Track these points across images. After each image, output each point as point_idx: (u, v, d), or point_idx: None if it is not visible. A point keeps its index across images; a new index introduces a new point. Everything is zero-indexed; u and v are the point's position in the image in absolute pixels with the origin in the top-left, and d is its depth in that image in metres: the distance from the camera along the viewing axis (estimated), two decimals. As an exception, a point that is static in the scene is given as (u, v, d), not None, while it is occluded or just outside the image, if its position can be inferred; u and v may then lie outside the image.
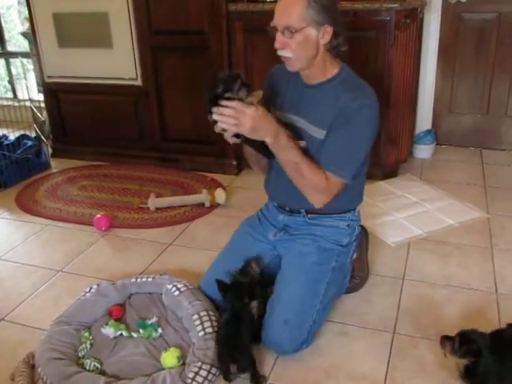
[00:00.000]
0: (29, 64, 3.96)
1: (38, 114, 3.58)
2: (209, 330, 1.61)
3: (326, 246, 1.73)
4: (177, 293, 1.76)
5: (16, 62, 4.35)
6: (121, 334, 1.70)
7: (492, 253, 2.18)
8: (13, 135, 3.39)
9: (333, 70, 1.60)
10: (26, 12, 3.29)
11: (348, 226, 1.77)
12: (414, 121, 3.26)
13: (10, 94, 4.53)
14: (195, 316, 1.66)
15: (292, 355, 1.62)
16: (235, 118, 1.40)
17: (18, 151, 3.17)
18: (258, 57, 2.78)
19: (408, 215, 2.52)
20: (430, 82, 3.29)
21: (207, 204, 2.67)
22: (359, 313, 1.82)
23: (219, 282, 1.66)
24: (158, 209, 2.67)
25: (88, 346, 1.66)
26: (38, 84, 3.65)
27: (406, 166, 3.08)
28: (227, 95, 1.41)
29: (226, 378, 1.52)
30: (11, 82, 4.44)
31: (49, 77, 3.32)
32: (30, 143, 3.29)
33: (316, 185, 1.56)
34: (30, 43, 3.78)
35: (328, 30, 1.51)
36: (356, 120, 1.53)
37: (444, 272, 2.05)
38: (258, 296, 1.64)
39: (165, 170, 3.17)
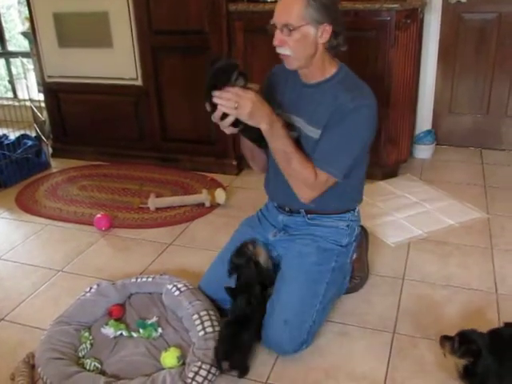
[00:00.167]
0: (29, 64, 3.96)
1: (38, 114, 3.58)
2: (209, 329, 1.61)
3: (326, 246, 1.74)
4: (177, 293, 1.76)
5: (16, 62, 4.35)
6: (121, 334, 1.70)
7: (492, 253, 2.18)
8: (13, 135, 3.39)
9: (331, 69, 1.60)
10: (27, 12, 3.29)
11: (348, 226, 1.77)
12: (414, 121, 3.26)
13: (10, 94, 4.53)
14: (195, 316, 1.66)
15: (292, 355, 1.62)
16: (235, 101, 1.42)
17: (18, 151, 3.17)
18: (258, 57, 2.78)
19: (408, 215, 2.52)
20: (430, 82, 3.29)
21: (207, 204, 2.67)
22: (359, 313, 1.83)
23: (227, 289, 1.67)
24: (158, 209, 2.67)
25: (88, 345, 1.66)
26: (39, 84, 3.65)
27: (406, 166, 3.08)
28: (227, 83, 1.44)
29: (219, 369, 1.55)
30: (11, 81, 4.44)
31: (49, 76, 3.32)
32: (30, 143, 3.30)
33: (304, 178, 1.57)
34: (30, 43, 3.78)
35: (327, 29, 1.51)
36: (351, 119, 1.53)
37: (444, 272, 2.05)
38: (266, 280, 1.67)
39: (165, 169, 3.17)
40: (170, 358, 1.56)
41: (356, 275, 1.93)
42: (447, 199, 2.68)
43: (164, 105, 3.11)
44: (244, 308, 1.61)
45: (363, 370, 1.57)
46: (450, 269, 2.08)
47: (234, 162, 3.07)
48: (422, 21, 2.98)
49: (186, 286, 1.78)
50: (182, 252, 2.28)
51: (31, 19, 3.22)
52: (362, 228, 1.96)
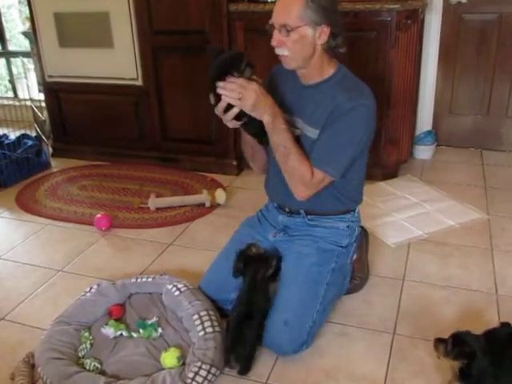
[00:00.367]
0: (29, 63, 3.96)
1: (39, 114, 3.58)
2: (209, 329, 1.61)
3: (326, 247, 1.74)
4: (177, 293, 1.76)
5: (17, 62, 4.36)
6: (121, 334, 1.70)
7: (492, 254, 2.18)
8: (13, 134, 3.39)
9: (330, 70, 1.60)
10: (27, 11, 3.29)
11: (348, 227, 1.77)
12: (414, 121, 3.26)
13: (10, 94, 4.53)
14: (195, 316, 1.66)
15: (292, 356, 1.62)
16: (239, 92, 1.42)
17: (19, 151, 3.17)
18: (258, 57, 2.74)
19: (408, 216, 2.52)
20: (431, 82, 3.29)
21: (207, 204, 2.67)
22: (359, 314, 1.83)
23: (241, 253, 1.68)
24: (158, 209, 2.67)
25: (88, 345, 1.66)
26: (39, 83, 3.65)
27: (406, 167, 3.08)
28: (234, 74, 1.45)
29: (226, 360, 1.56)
30: (12, 81, 4.44)
31: (49, 76, 3.32)
32: (30, 143, 3.30)
33: (301, 176, 1.57)
34: (30, 43, 3.78)
35: (325, 31, 1.51)
36: (349, 119, 1.53)
37: (444, 273, 2.05)
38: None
39: (165, 169, 3.17)
40: (169, 358, 1.56)
41: (356, 276, 1.93)
42: (447, 200, 2.68)
43: (164, 105, 3.11)
44: (249, 292, 1.62)
45: (363, 370, 1.57)
46: (450, 269, 2.08)
47: (235, 163, 3.07)
48: (422, 21, 2.98)
49: (186, 286, 1.78)
50: (182, 252, 2.28)
51: (32, 19, 3.22)
52: (362, 229, 1.96)
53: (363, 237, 1.99)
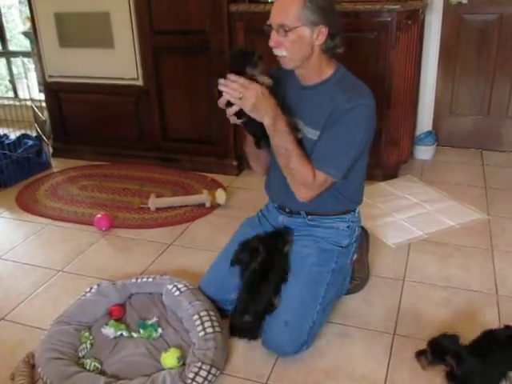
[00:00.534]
0: (30, 63, 3.96)
1: (39, 114, 3.58)
2: (209, 330, 1.61)
3: (326, 247, 1.74)
4: (177, 293, 1.76)
5: (17, 62, 4.36)
6: (121, 334, 1.70)
7: (492, 254, 2.18)
8: (13, 134, 3.39)
9: (328, 71, 1.60)
10: (28, 11, 3.29)
11: (348, 227, 1.77)
12: (414, 122, 3.26)
13: (11, 94, 4.53)
14: (195, 316, 1.66)
15: (292, 356, 1.62)
16: (240, 91, 1.42)
17: (19, 150, 3.17)
18: (258, 57, 2.78)
19: (408, 216, 2.52)
20: (431, 83, 3.29)
21: (207, 204, 2.67)
22: (359, 314, 1.83)
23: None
24: (158, 209, 2.67)
25: (88, 345, 1.66)
26: (39, 83, 3.65)
27: (406, 167, 3.08)
28: (247, 70, 1.47)
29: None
30: (12, 81, 4.44)
31: (50, 76, 3.32)
32: (30, 143, 3.30)
33: (303, 178, 1.57)
34: (31, 43, 3.78)
35: (323, 31, 1.51)
36: (348, 119, 1.53)
37: (444, 273, 2.05)
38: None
39: (165, 170, 3.17)
40: (170, 358, 1.56)
41: (356, 276, 1.93)
42: (448, 200, 2.68)
43: (164, 105, 3.11)
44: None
45: (363, 371, 1.57)
46: (451, 270, 2.08)
47: (235, 163, 3.07)
48: (422, 22, 2.98)
49: (186, 286, 1.78)
50: (182, 252, 2.28)
51: (32, 19, 3.22)
52: (363, 229, 1.96)
53: (363, 237, 1.98)
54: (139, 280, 1.90)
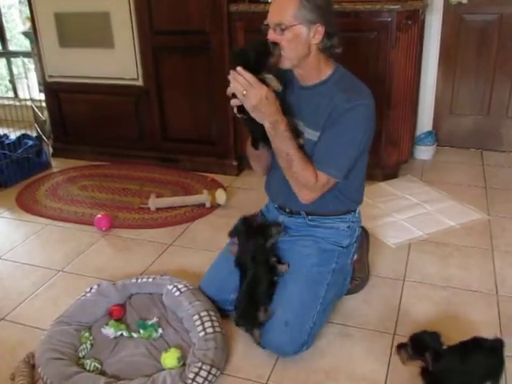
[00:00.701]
0: (30, 63, 3.96)
1: (39, 114, 3.58)
2: (209, 330, 1.61)
3: (327, 247, 1.73)
4: (177, 293, 1.76)
5: (17, 62, 4.36)
6: (121, 335, 1.70)
7: (492, 254, 2.18)
8: (14, 134, 3.39)
9: (327, 71, 1.60)
10: (28, 11, 3.29)
11: (348, 227, 1.77)
12: (414, 122, 3.26)
13: (11, 94, 4.53)
14: (196, 316, 1.66)
15: (292, 357, 1.62)
16: (245, 89, 1.42)
17: (19, 151, 3.17)
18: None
19: (408, 216, 2.52)
20: (431, 83, 3.29)
21: (208, 204, 2.67)
22: (360, 314, 1.82)
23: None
24: (158, 209, 2.67)
25: (88, 346, 1.66)
26: (39, 83, 3.65)
27: (406, 167, 3.08)
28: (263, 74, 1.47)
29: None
30: (12, 81, 4.44)
31: (50, 76, 3.32)
32: (30, 143, 3.30)
33: (305, 181, 1.57)
34: (31, 43, 3.78)
35: (319, 30, 1.51)
36: (347, 119, 1.53)
37: (444, 273, 2.05)
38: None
39: (165, 170, 3.17)
40: (170, 358, 1.56)
41: (356, 276, 1.92)
42: (448, 200, 2.68)
43: (164, 105, 3.11)
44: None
45: (363, 371, 1.57)
46: (451, 270, 2.08)
47: (235, 163, 3.07)
48: (423, 22, 2.98)
49: (186, 286, 1.78)
50: (182, 252, 2.28)
51: (32, 19, 3.22)
52: (363, 229, 1.96)
53: (364, 237, 1.98)
54: (139, 280, 1.90)
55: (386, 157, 2.86)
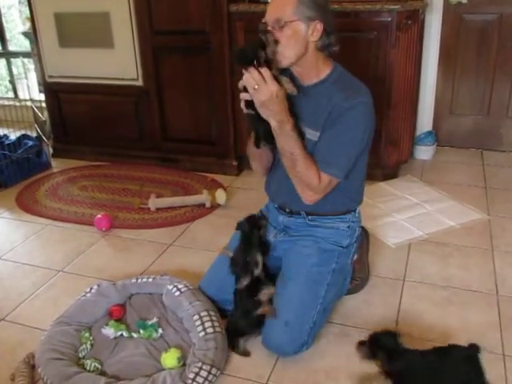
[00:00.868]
0: (30, 64, 3.96)
1: (39, 114, 3.58)
2: (209, 330, 1.61)
3: (327, 247, 1.73)
4: (177, 293, 1.76)
5: (17, 62, 4.36)
6: (121, 335, 1.70)
7: (493, 254, 2.18)
8: (14, 135, 3.39)
9: (325, 70, 1.60)
10: (28, 12, 3.29)
11: (348, 227, 1.77)
12: (414, 122, 3.26)
13: (11, 94, 4.53)
14: (196, 316, 1.65)
15: (292, 357, 1.62)
16: (258, 83, 1.42)
17: (19, 151, 3.17)
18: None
19: (408, 216, 2.52)
20: (431, 83, 3.29)
21: (208, 204, 2.67)
22: (360, 314, 1.82)
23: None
24: (158, 209, 2.67)
25: (88, 346, 1.66)
26: (39, 84, 3.65)
27: (406, 167, 3.08)
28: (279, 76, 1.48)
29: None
30: (12, 81, 4.44)
31: (50, 76, 3.32)
32: (30, 143, 3.30)
33: (308, 181, 1.57)
34: (31, 43, 3.78)
35: (318, 28, 1.52)
36: (347, 118, 1.53)
37: (444, 273, 2.05)
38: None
39: (165, 170, 3.17)
40: (170, 358, 1.56)
41: (356, 276, 1.92)
42: (448, 200, 2.68)
43: (164, 105, 3.11)
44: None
45: (364, 371, 1.57)
46: (451, 270, 2.08)
47: (235, 163, 3.07)
48: (422, 22, 2.98)
49: (186, 286, 1.78)
50: (182, 252, 2.28)
51: (32, 19, 3.22)
52: (363, 229, 1.96)
53: (364, 237, 1.98)
54: (139, 280, 1.89)
55: (385, 157, 2.86)
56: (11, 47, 4.50)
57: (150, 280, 1.88)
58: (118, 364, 1.60)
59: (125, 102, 3.21)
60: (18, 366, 1.58)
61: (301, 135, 1.57)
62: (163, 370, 1.55)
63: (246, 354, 1.65)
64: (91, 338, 1.69)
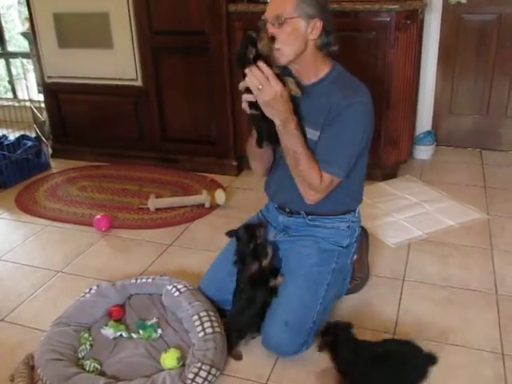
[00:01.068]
0: (29, 64, 3.96)
1: (38, 115, 3.58)
2: (209, 330, 1.61)
3: (327, 247, 1.73)
4: (177, 293, 1.76)
5: (16, 63, 4.35)
6: (120, 335, 1.70)
7: (492, 254, 2.18)
8: (13, 135, 3.39)
9: (324, 69, 1.61)
10: (27, 12, 3.29)
11: (348, 227, 1.77)
12: (414, 122, 3.26)
13: (10, 95, 4.52)
14: (195, 317, 1.65)
15: (292, 357, 1.62)
16: (262, 83, 1.42)
17: (18, 151, 3.16)
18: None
19: (408, 216, 2.52)
20: (430, 82, 3.29)
21: (207, 205, 2.67)
22: (359, 314, 1.82)
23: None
24: (157, 209, 2.67)
25: (88, 346, 1.66)
26: (38, 84, 3.65)
27: (405, 167, 3.08)
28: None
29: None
30: (11, 82, 4.43)
31: (49, 77, 3.32)
32: (29, 143, 3.29)
33: (310, 181, 1.57)
34: (30, 43, 3.78)
35: (317, 26, 1.52)
36: (346, 117, 1.54)
37: (444, 273, 2.05)
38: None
39: (164, 170, 3.17)
40: (169, 359, 1.56)
41: (356, 276, 1.92)
42: (447, 200, 2.68)
43: (164, 105, 3.11)
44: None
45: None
46: (450, 270, 2.08)
47: (234, 163, 3.07)
48: (422, 22, 2.98)
49: (185, 286, 1.78)
50: (181, 253, 2.28)
51: (31, 19, 3.22)
52: (363, 229, 1.96)
53: (363, 237, 1.99)
54: (139, 281, 1.89)
55: (385, 157, 2.86)
56: (10, 48, 4.50)
57: (150, 280, 1.88)
58: (117, 364, 1.60)
59: (124, 102, 3.21)
60: (17, 366, 1.58)
61: (304, 134, 1.58)
62: (163, 370, 1.54)
63: (238, 357, 1.64)
64: (90, 339, 1.69)
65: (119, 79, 3.14)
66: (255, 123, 1.61)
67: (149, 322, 1.74)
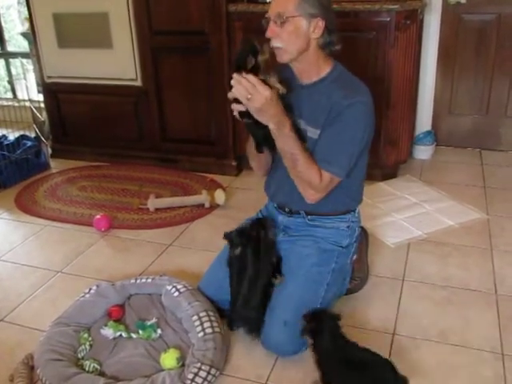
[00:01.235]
0: (28, 64, 3.96)
1: (38, 115, 3.58)
2: (208, 330, 1.61)
3: (326, 247, 1.73)
4: (176, 294, 1.76)
5: (16, 63, 4.35)
6: (120, 335, 1.70)
7: (492, 254, 2.18)
8: (12, 135, 3.39)
9: (326, 68, 1.61)
10: (26, 12, 3.29)
11: (348, 227, 1.77)
12: (413, 122, 3.26)
13: (9, 95, 4.52)
14: (195, 317, 1.65)
15: (292, 356, 1.62)
16: (249, 92, 1.41)
17: (18, 151, 3.16)
18: (257, 57, 2.77)
19: (408, 216, 2.52)
20: (430, 82, 3.29)
21: (207, 205, 2.67)
22: (359, 314, 1.82)
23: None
24: (157, 209, 2.67)
25: (87, 347, 1.66)
26: (38, 84, 3.65)
27: (405, 167, 3.08)
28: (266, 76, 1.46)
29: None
30: (11, 82, 4.43)
31: (48, 77, 3.32)
32: (29, 143, 3.29)
33: (310, 181, 1.57)
34: (29, 43, 3.78)
35: (320, 25, 1.52)
36: (346, 116, 1.54)
37: (443, 273, 2.05)
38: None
39: (164, 170, 3.17)
40: (169, 359, 1.56)
41: (356, 276, 1.92)
42: (447, 200, 2.68)
43: (164, 105, 3.11)
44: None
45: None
46: (450, 270, 2.08)
47: (234, 163, 3.07)
48: (421, 22, 2.98)
49: (185, 286, 1.78)
50: (181, 253, 2.28)
51: (31, 19, 3.22)
52: (362, 229, 1.96)
53: (363, 237, 1.98)
54: (138, 281, 1.89)
55: (384, 157, 2.86)
56: (10, 48, 4.50)
57: (149, 280, 1.88)
58: (117, 364, 1.60)
59: (124, 102, 3.21)
60: (16, 366, 1.58)
61: (300, 135, 1.57)
62: (162, 370, 1.54)
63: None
64: (90, 339, 1.69)
65: (119, 79, 3.14)
66: (250, 131, 1.62)
67: (148, 322, 1.74)
